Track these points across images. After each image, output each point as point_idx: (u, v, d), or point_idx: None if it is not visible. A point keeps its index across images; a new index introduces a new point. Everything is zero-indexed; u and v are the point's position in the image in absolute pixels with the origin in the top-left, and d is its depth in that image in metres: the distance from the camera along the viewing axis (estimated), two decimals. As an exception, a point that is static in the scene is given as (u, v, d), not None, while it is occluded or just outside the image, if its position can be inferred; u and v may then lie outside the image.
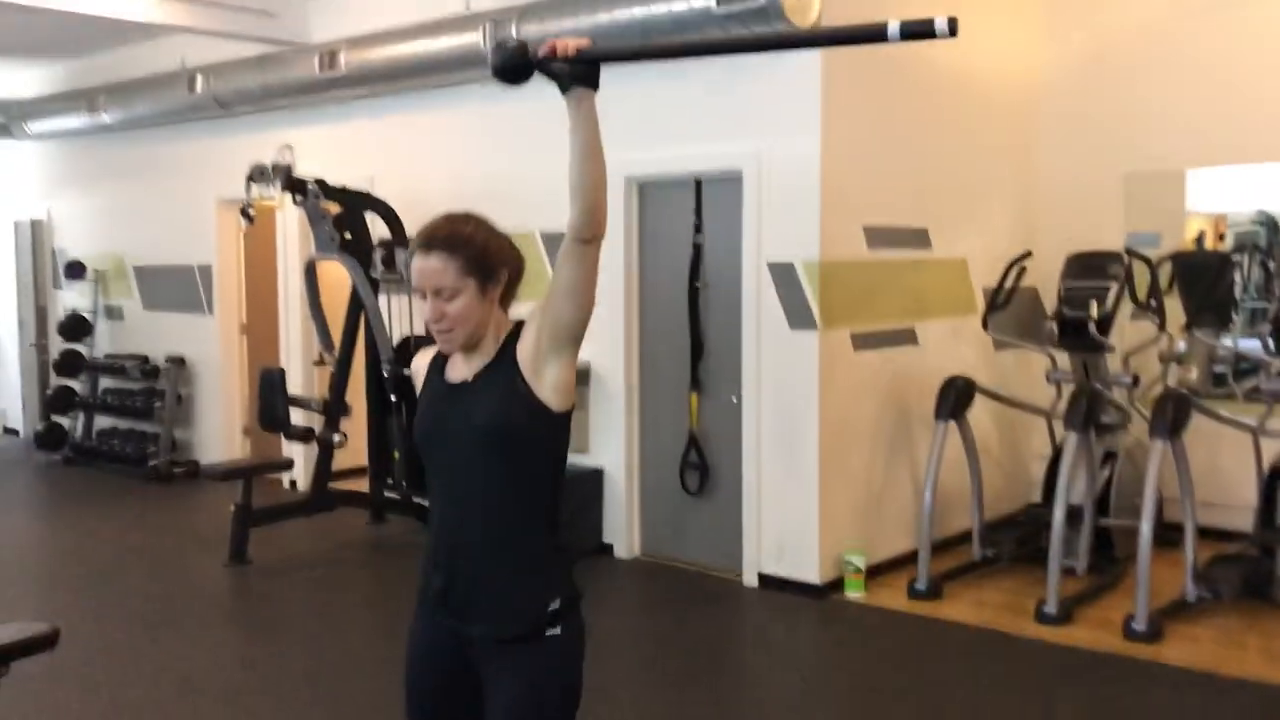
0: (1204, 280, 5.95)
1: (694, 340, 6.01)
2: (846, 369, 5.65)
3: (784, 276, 5.55)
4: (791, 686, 4.67)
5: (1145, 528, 4.89)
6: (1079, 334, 5.74)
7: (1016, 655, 4.85)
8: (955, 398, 5.66)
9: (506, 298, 2.28)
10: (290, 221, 8.02)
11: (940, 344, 6.23)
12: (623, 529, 6.29)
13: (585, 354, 6.28)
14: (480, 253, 2.17)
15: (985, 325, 6.17)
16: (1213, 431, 5.72)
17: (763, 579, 5.73)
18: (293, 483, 8.14)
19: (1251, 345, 5.96)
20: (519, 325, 2.23)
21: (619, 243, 6.04)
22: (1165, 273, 5.98)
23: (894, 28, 1.76)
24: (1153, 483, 4.95)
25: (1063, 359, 6.07)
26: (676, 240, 6.04)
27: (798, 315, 5.53)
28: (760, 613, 5.55)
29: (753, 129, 5.63)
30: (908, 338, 6.04)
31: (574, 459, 6.32)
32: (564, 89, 2.00)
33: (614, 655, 4.78)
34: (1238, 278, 6.19)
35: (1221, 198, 6.73)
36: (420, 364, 2.37)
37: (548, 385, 2.17)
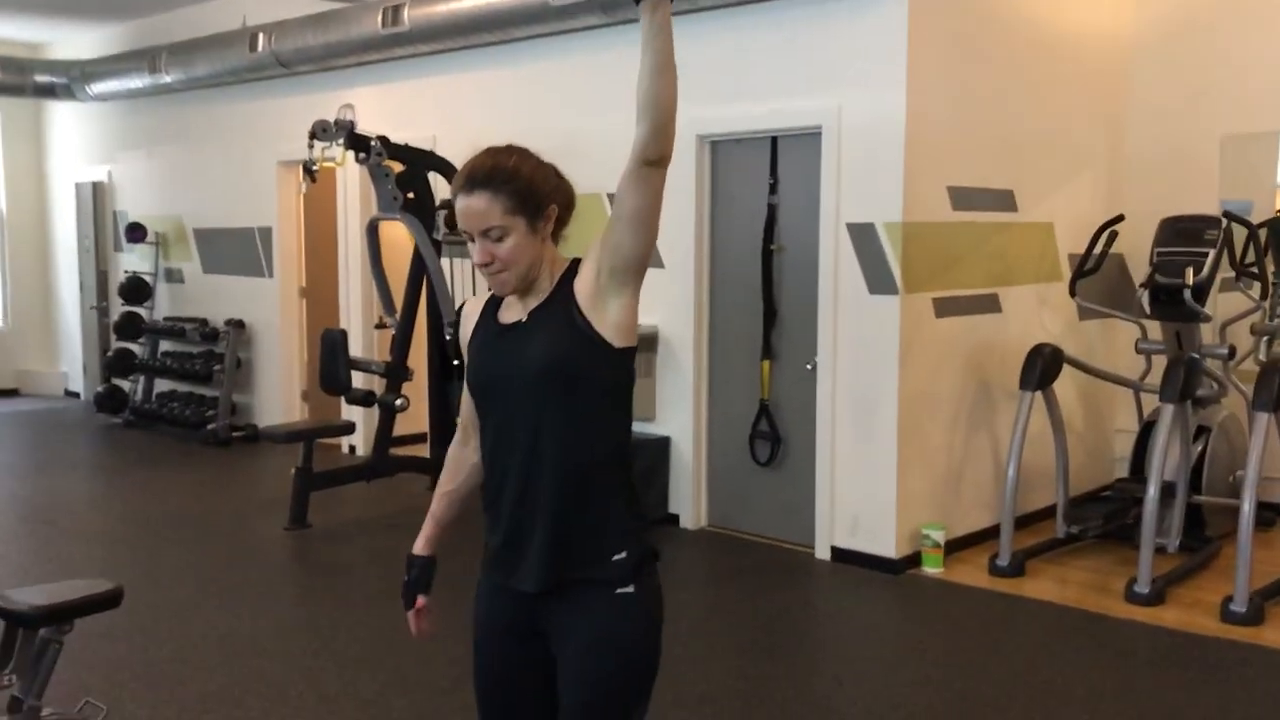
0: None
1: (767, 305, 5.80)
2: (928, 336, 5.43)
3: (864, 238, 5.33)
4: (871, 662, 4.48)
5: (1247, 505, 4.64)
6: (1173, 302, 5.46)
7: (1108, 635, 4.63)
8: (1043, 367, 5.41)
9: (556, 233, 2.12)
10: (351, 183, 7.91)
11: (1023, 312, 5.98)
12: (689, 499, 6.13)
13: (653, 319, 6.19)
14: (526, 187, 2.02)
15: (1073, 291, 5.91)
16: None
17: (835, 552, 5.54)
18: (351, 448, 8.07)
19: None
20: (576, 262, 2.08)
21: (689, 204, 5.84)
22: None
23: None
24: (1256, 458, 4.69)
25: (1153, 329, 5.80)
26: (750, 201, 5.83)
27: (878, 279, 5.31)
28: (834, 587, 5.37)
29: (833, 84, 5.40)
30: (990, 304, 5.79)
31: (640, 427, 6.19)
32: None
33: (682, 627, 4.61)
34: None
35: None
36: (470, 310, 2.21)
37: (609, 322, 2.02)
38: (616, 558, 2.04)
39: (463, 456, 2.27)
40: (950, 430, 5.63)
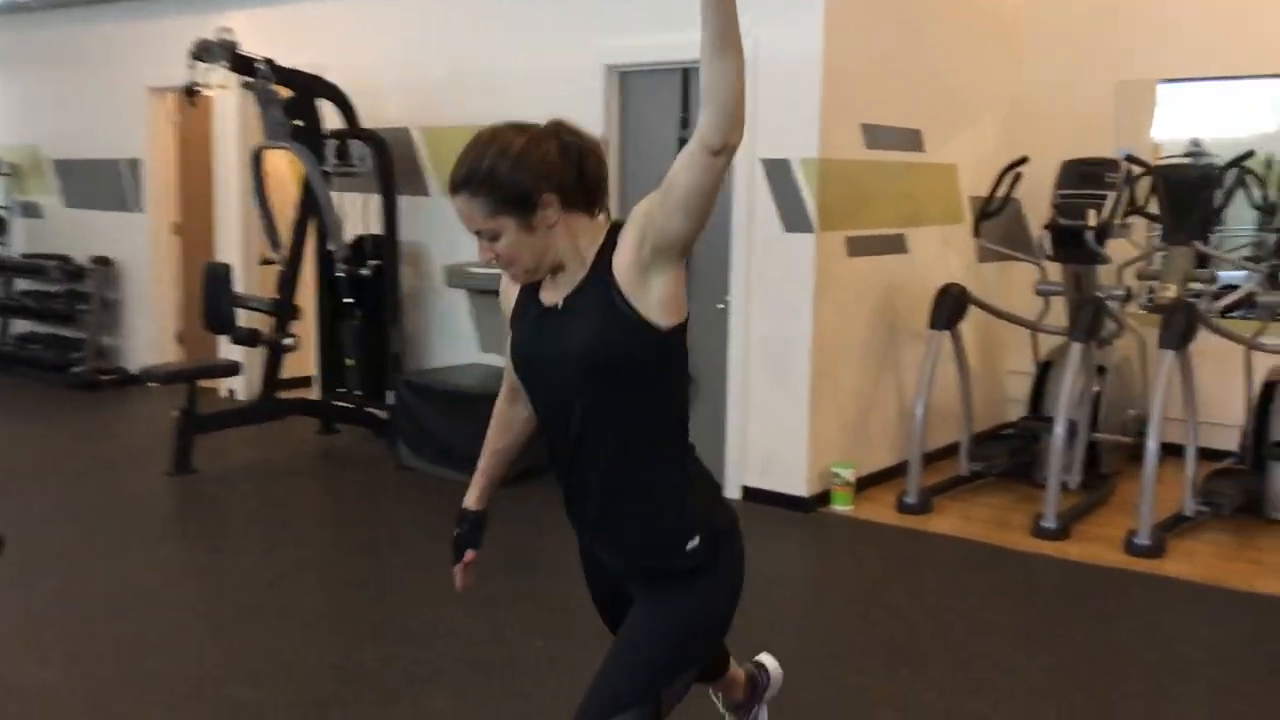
0: (1185, 194, 5.79)
1: (677, 242, 5.68)
2: (840, 275, 5.39)
3: (779, 175, 5.25)
4: (783, 600, 4.44)
5: (1153, 443, 4.75)
6: (1074, 244, 5.54)
7: (1015, 569, 4.70)
8: (950, 307, 5.44)
9: (588, 202, 1.95)
10: (228, 112, 7.49)
11: (927, 252, 6.00)
12: (594, 441, 6.00)
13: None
14: (504, 186, 1.84)
15: (977, 232, 5.96)
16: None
17: (746, 491, 5.51)
18: (231, 391, 7.70)
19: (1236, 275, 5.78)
20: (615, 230, 1.91)
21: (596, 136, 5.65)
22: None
23: None
24: (1160, 395, 4.79)
25: (1053, 270, 5.89)
26: (661, 135, 5.68)
27: (793, 217, 5.24)
28: (746, 526, 5.29)
29: (748, 13, 5.24)
30: (898, 245, 5.79)
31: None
32: None
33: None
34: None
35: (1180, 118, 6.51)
36: (509, 282, 2.06)
37: (653, 300, 1.86)
38: (691, 545, 1.97)
39: (510, 413, 2.22)
40: (860, 370, 5.63)
